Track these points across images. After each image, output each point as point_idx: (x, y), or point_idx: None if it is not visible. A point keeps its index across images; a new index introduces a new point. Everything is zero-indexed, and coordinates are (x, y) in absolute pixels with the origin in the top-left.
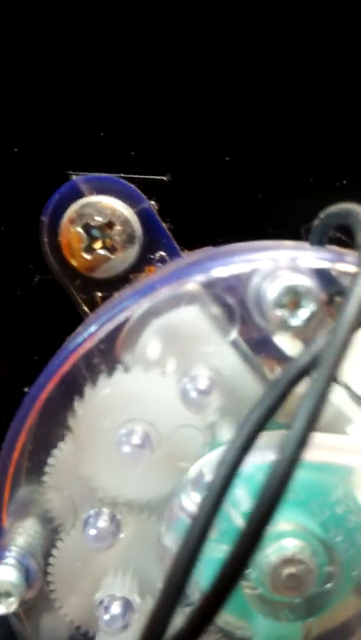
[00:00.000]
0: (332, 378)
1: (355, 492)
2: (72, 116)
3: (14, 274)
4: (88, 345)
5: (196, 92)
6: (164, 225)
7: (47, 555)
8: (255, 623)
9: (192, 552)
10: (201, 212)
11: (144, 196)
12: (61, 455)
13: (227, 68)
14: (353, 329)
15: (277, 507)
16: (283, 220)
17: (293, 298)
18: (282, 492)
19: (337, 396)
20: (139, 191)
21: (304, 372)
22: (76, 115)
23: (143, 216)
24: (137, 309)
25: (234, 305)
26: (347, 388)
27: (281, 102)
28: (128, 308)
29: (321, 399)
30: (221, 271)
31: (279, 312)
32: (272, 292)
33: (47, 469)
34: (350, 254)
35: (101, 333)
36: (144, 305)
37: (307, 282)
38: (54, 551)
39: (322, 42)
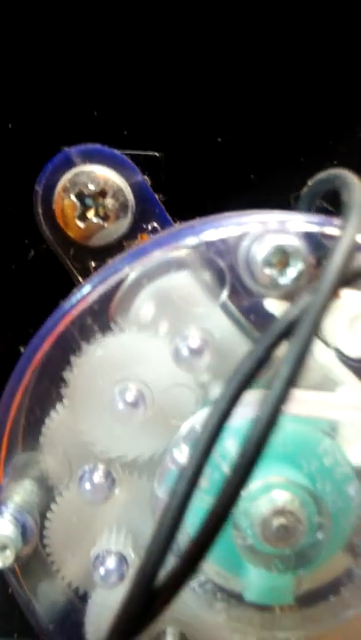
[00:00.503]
0: (313, 334)
1: (341, 446)
2: (66, 96)
3: (9, 248)
4: (82, 306)
5: (188, 70)
6: (156, 196)
7: (43, 515)
8: (248, 576)
9: (183, 496)
10: (193, 187)
11: (137, 168)
12: (57, 416)
13: (219, 47)
14: (334, 288)
15: (259, 456)
16: (273, 194)
17: (282, 258)
18: (264, 441)
19: (326, 357)
20: (132, 163)
21: (289, 330)
22: (71, 94)
23: (136, 188)
24: (130, 273)
25: (224, 268)
26: (336, 349)
27: (273, 82)
28: (121, 270)
29: (303, 355)
30: (212, 234)
31: (268, 271)
32: (261, 252)
33: (44, 429)
34: (338, 219)
35: (95, 294)
36: (137, 268)
37: (295, 242)
38: (50, 511)
39: (309, 22)
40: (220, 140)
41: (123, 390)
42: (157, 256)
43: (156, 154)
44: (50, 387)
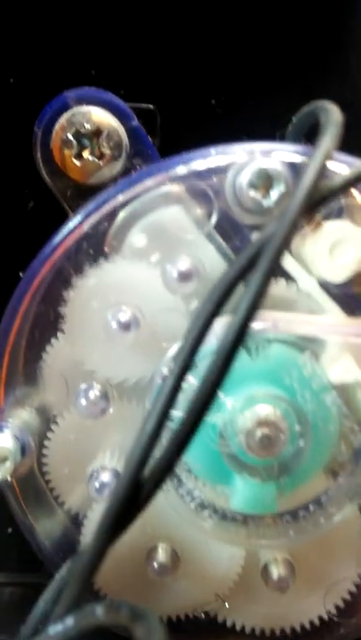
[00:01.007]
0: (279, 256)
1: (318, 359)
2: (66, 56)
3: (9, 199)
4: (78, 232)
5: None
6: (151, 140)
7: (42, 444)
8: (234, 486)
9: (169, 394)
10: (186, 139)
11: (133, 114)
12: (56, 342)
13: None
14: (300, 211)
15: (228, 367)
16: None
17: (266, 181)
18: (234, 350)
19: (309, 285)
20: (128, 108)
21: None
22: (69, 54)
23: (131, 132)
24: (125, 207)
25: (212, 196)
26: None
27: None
28: (113, 198)
29: (266, 276)
30: (201, 164)
31: (253, 194)
32: (246, 175)
33: (44, 355)
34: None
35: (90, 221)
36: (131, 203)
37: (278, 166)
38: (48, 435)
39: None
40: (214, 101)
41: (116, 312)
42: (149, 186)
43: (151, 106)
44: (48, 310)
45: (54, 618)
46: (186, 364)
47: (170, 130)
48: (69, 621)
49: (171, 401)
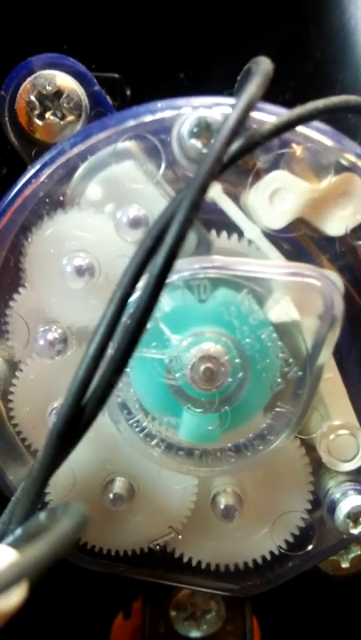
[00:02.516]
0: (196, 203)
1: (261, 301)
2: (39, 31)
3: None
4: (35, 184)
5: None
6: (112, 103)
7: (7, 387)
8: (181, 418)
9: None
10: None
11: (94, 79)
12: (19, 294)
13: None
14: (223, 150)
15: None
16: None
17: (206, 132)
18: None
19: (252, 233)
20: (89, 73)
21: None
22: (41, 26)
23: (93, 96)
24: (78, 157)
25: (160, 148)
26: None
27: None
28: (68, 150)
29: (184, 223)
30: (149, 117)
31: (194, 142)
32: (187, 125)
33: (7, 310)
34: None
35: (45, 173)
36: (82, 146)
37: (217, 116)
38: (13, 381)
39: None
40: (182, 75)
41: (71, 258)
42: (102, 139)
43: (116, 75)
44: (10, 260)
45: (8, 533)
46: (125, 293)
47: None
48: (18, 531)
49: (111, 328)
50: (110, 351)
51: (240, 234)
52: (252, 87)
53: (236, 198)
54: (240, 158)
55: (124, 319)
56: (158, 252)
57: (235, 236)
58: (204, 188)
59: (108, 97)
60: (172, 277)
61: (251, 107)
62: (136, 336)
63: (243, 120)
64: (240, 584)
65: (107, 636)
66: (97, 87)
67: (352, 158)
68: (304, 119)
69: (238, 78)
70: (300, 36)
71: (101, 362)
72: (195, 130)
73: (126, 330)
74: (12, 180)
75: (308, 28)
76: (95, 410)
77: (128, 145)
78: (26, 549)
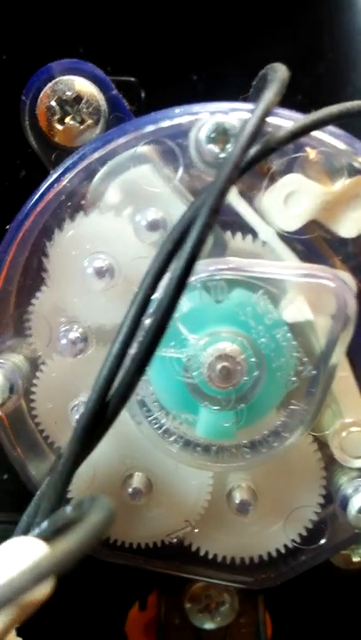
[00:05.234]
0: (223, 194)
1: (276, 301)
2: (55, 36)
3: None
4: (57, 188)
5: None
6: (129, 107)
7: (30, 387)
8: (199, 415)
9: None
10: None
11: (112, 84)
12: (42, 294)
13: None
14: (241, 155)
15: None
16: None
17: (223, 136)
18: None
19: (267, 235)
20: (107, 78)
21: None
22: (58, 29)
23: (111, 100)
24: (98, 161)
25: (178, 152)
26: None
27: None
28: (89, 155)
29: (205, 227)
30: (168, 122)
31: (211, 147)
32: (204, 130)
33: (32, 301)
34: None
35: (67, 177)
36: (102, 151)
37: (235, 122)
38: (34, 381)
39: None
40: (195, 77)
41: (92, 260)
42: (121, 144)
43: (132, 79)
44: (33, 260)
45: (34, 526)
46: (146, 295)
47: (155, 105)
48: (44, 524)
49: (133, 328)
50: (132, 350)
51: (255, 235)
52: (270, 94)
53: (250, 200)
54: (257, 164)
55: (145, 319)
56: (180, 256)
57: (249, 237)
58: (223, 194)
59: (124, 101)
60: (190, 279)
61: (267, 114)
62: (158, 336)
63: (260, 127)
64: (254, 577)
65: (122, 628)
66: (114, 91)
67: None
68: (319, 125)
69: (253, 83)
70: (312, 37)
71: (124, 361)
72: (212, 135)
73: (148, 330)
74: (30, 182)
75: (321, 30)
76: (118, 406)
77: (146, 149)
78: (56, 542)
